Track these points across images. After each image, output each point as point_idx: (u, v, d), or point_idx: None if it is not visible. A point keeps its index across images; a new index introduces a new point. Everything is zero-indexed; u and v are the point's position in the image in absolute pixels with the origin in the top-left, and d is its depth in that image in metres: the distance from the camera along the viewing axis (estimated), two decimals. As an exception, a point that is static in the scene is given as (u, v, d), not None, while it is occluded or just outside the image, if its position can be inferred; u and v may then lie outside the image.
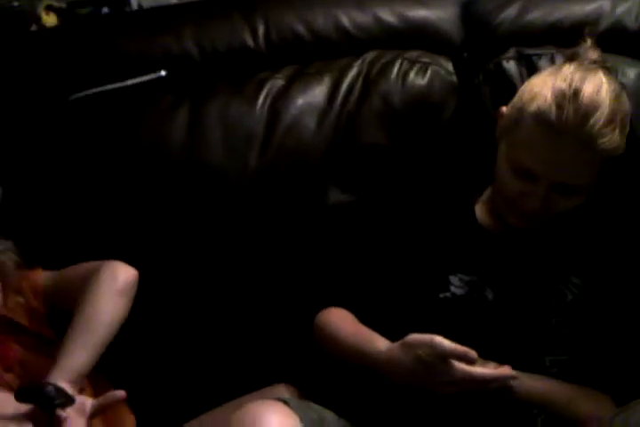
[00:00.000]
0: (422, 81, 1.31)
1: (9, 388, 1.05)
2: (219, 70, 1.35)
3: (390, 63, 1.33)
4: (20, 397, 0.94)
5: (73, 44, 1.36)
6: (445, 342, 0.97)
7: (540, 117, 1.04)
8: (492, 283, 1.13)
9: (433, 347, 0.97)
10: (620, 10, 1.31)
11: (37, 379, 1.06)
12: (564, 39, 1.23)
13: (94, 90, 1.31)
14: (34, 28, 1.48)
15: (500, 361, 1.08)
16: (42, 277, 1.15)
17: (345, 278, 1.19)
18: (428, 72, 1.32)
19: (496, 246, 1.15)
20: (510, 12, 1.34)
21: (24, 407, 0.93)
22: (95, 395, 1.07)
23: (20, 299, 1.11)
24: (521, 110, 1.07)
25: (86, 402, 0.96)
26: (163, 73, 1.33)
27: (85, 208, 1.29)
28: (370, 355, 1.05)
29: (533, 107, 1.06)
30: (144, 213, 1.29)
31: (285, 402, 0.96)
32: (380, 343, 1.05)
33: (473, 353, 0.97)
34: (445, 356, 0.97)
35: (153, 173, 1.30)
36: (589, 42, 1.14)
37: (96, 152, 1.30)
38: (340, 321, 1.14)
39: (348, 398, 1.10)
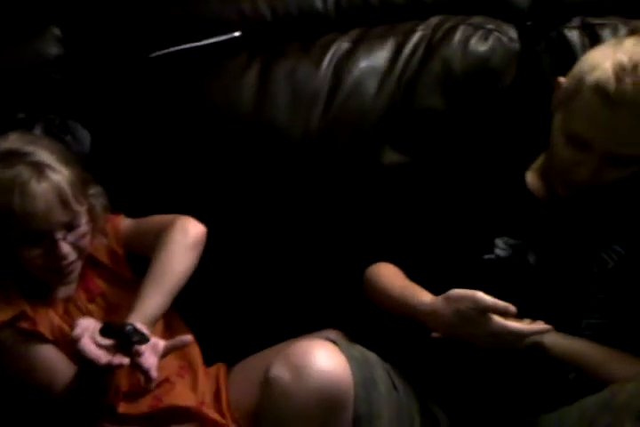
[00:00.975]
0: (484, 47, 1.31)
1: (92, 317, 1.13)
2: (289, 32, 1.38)
3: (453, 28, 1.33)
4: (103, 332, 1.02)
5: (155, 5, 1.39)
6: (487, 297, 1.01)
7: (598, 88, 1.04)
8: (535, 247, 1.15)
9: (474, 301, 1.01)
10: None
11: (115, 310, 1.17)
12: (629, 10, 1.23)
13: (173, 49, 1.34)
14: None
15: (538, 320, 1.09)
16: (123, 222, 1.22)
17: (396, 236, 1.22)
18: (491, 39, 1.31)
19: (542, 213, 1.16)
20: (578, -20, 1.33)
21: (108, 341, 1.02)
22: (167, 330, 1.16)
23: (104, 240, 1.19)
24: (580, 81, 1.07)
25: (159, 343, 1.03)
26: (237, 34, 1.36)
27: (162, 160, 1.34)
28: (414, 306, 1.09)
29: (593, 78, 1.05)
30: (213, 167, 1.34)
31: (334, 342, 1.01)
32: (425, 296, 1.09)
33: (513, 308, 1.00)
34: (486, 309, 1.01)
35: (223, 129, 1.34)
36: None
37: (172, 106, 1.34)
38: (389, 275, 1.18)
39: (391, 346, 1.14)
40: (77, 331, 1.01)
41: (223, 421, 1.15)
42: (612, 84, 1.04)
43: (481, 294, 1.02)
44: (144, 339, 1.02)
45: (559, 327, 1.11)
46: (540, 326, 1.05)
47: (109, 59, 1.38)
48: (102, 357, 1.00)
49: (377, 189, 1.32)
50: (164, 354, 1.04)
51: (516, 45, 1.32)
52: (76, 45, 1.38)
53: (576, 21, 1.30)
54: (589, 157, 1.07)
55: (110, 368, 1.02)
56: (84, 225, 1.12)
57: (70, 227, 1.10)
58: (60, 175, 1.08)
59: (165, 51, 1.34)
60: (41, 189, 1.06)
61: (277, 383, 0.97)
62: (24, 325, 1.11)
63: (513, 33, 1.32)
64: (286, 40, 1.38)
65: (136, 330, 1.02)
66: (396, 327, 1.15)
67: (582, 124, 1.07)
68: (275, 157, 1.33)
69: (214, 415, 1.15)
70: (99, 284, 1.19)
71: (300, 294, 1.35)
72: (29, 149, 1.09)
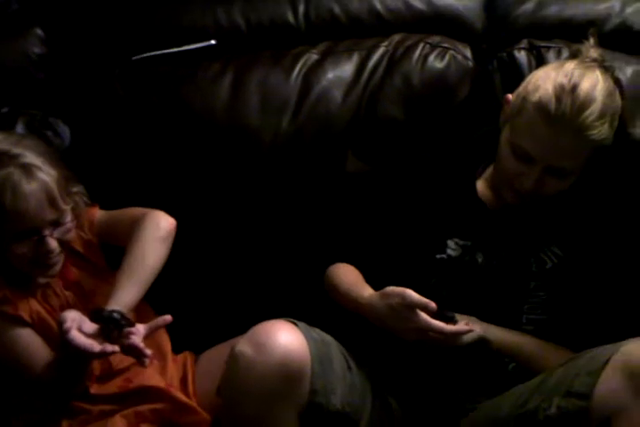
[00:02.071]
0: (440, 64, 1.37)
1: (67, 304, 1.18)
2: (262, 42, 1.42)
3: (413, 46, 1.38)
4: (93, 318, 1.06)
5: (136, 11, 1.43)
6: (413, 294, 1.07)
7: (540, 107, 1.11)
8: (483, 248, 1.22)
9: (403, 297, 1.07)
10: (629, 10, 1.37)
11: (88, 297, 1.20)
12: (574, 34, 1.28)
13: (153, 53, 1.39)
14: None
15: (483, 316, 1.18)
16: (97, 213, 1.24)
17: (354, 237, 1.28)
18: (447, 57, 1.37)
19: (490, 218, 1.23)
20: (528, 6, 1.39)
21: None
22: (138, 319, 1.15)
23: (79, 230, 1.21)
24: (524, 99, 1.14)
25: (140, 326, 1.07)
26: (213, 42, 1.40)
27: (137, 157, 1.38)
28: (355, 300, 1.15)
29: (535, 97, 1.12)
30: (186, 166, 1.38)
31: (294, 323, 1.06)
32: (366, 292, 1.15)
33: (433, 305, 1.06)
34: (411, 305, 1.07)
35: (197, 130, 1.38)
36: (592, 41, 1.20)
37: (149, 107, 1.38)
38: (343, 273, 1.24)
39: (348, 337, 1.18)
40: (68, 324, 1.03)
41: (191, 401, 1.18)
42: (552, 104, 1.10)
43: (409, 291, 1.07)
44: (130, 323, 1.06)
45: (502, 322, 1.18)
46: (462, 326, 1.10)
47: (91, 59, 1.41)
48: (95, 345, 1.03)
49: (340, 193, 1.37)
50: (147, 335, 1.08)
51: (470, 63, 1.38)
52: (58, 46, 1.41)
53: (524, 43, 1.37)
54: (532, 168, 1.14)
55: (103, 355, 1.05)
56: (68, 222, 1.15)
57: (57, 224, 1.14)
58: (48, 176, 1.11)
59: (146, 54, 1.39)
60: (31, 190, 1.09)
61: (241, 358, 1.01)
62: (5, 308, 1.14)
63: (467, 52, 1.39)
64: (259, 49, 1.42)
65: (122, 315, 1.06)
66: (353, 320, 1.20)
67: (526, 139, 1.13)
68: (246, 158, 1.38)
69: (182, 396, 1.18)
70: (74, 272, 1.21)
71: (264, 288, 1.40)
72: (18, 150, 1.11)
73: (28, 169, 1.10)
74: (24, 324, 1.15)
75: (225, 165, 1.39)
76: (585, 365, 1.02)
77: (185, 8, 1.45)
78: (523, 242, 1.22)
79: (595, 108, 1.11)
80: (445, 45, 1.39)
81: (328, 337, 1.12)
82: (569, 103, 1.10)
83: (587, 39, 1.22)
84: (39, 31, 1.41)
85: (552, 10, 1.40)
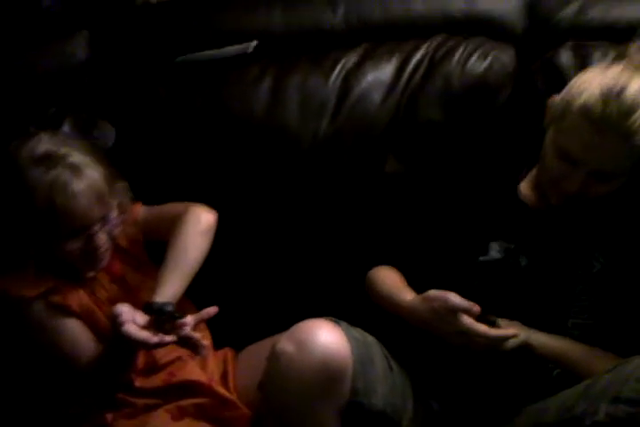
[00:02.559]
0: (481, 66, 1.36)
1: (114, 297, 1.19)
2: (302, 45, 1.43)
3: (454, 48, 1.38)
4: (146, 310, 1.07)
5: (178, 15, 1.46)
6: (456, 297, 1.05)
7: (586, 111, 1.08)
8: (526, 251, 1.19)
9: (445, 300, 1.05)
10: None
11: (132, 292, 1.21)
12: (618, 37, 1.25)
13: (195, 55, 1.40)
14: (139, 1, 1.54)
15: (527, 320, 1.14)
16: (141, 210, 1.26)
17: (396, 240, 1.26)
18: (488, 58, 1.36)
19: (534, 220, 1.20)
20: (572, 8, 1.38)
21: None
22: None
23: (124, 227, 1.22)
24: (569, 103, 1.11)
25: (189, 316, 1.08)
26: (254, 43, 1.40)
27: (179, 158, 1.39)
28: (397, 304, 1.14)
29: (581, 101, 1.09)
30: (226, 168, 1.38)
31: (335, 322, 1.05)
32: (408, 295, 1.14)
33: (476, 308, 1.05)
34: (455, 309, 1.05)
35: (237, 132, 1.38)
36: (638, 43, 1.16)
37: (191, 109, 1.39)
38: (385, 276, 1.22)
39: (390, 340, 1.17)
40: (123, 316, 1.04)
41: (232, 396, 1.18)
42: (598, 109, 1.07)
43: (452, 294, 1.06)
44: (181, 314, 1.07)
45: (548, 326, 1.15)
46: (507, 330, 1.08)
47: (135, 62, 1.43)
48: (152, 337, 1.04)
49: (380, 194, 1.36)
50: (196, 326, 1.08)
51: (513, 65, 1.36)
52: (104, 48, 1.43)
53: (568, 45, 1.35)
54: (576, 171, 1.12)
55: (160, 346, 1.06)
56: (115, 217, 1.16)
57: (105, 220, 1.15)
58: (96, 174, 1.13)
59: (188, 56, 1.40)
60: (80, 189, 1.10)
61: (282, 356, 1.01)
62: (56, 298, 1.15)
63: (510, 53, 1.37)
64: (298, 53, 1.42)
65: (173, 307, 1.07)
66: (395, 323, 1.18)
67: (570, 142, 1.11)
68: (285, 161, 1.38)
69: (223, 391, 1.18)
70: (119, 267, 1.23)
71: (304, 288, 1.39)
72: (64, 150, 1.13)
73: (76, 168, 1.11)
74: (73, 314, 1.16)
75: (264, 167, 1.39)
76: (634, 371, 0.99)
77: (226, 12, 1.46)
78: (568, 245, 1.19)
79: None
80: (487, 47, 1.38)
81: (370, 337, 1.10)
82: (615, 108, 1.07)
83: (632, 41, 1.18)
84: (85, 33, 1.43)
85: (595, 12, 1.38)
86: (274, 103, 1.39)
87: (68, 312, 1.16)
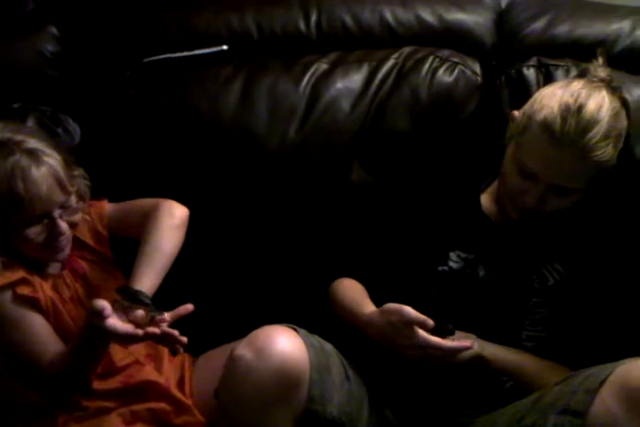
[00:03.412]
0: (449, 78, 1.36)
1: (77, 296, 1.17)
2: (273, 49, 1.41)
3: (423, 59, 1.38)
4: (122, 293, 1.05)
5: (150, 13, 1.43)
6: (411, 311, 1.05)
7: (545, 126, 1.09)
8: (485, 262, 1.20)
9: (401, 314, 1.06)
10: (638, 32, 1.36)
11: (96, 291, 1.18)
12: (583, 54, 1.28)
13: (165, 56, 1.39)
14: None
15: (483, 331, 1.16)
16: (107, 206, 1.23)
17: (357, 247, 1.27)
18: (456, 71, 1.37)
19: (493, 232, 1.21)
20: (539, 24, 1.39)
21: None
22: None
23: (88, 222, 1.20)
24: (530, 117, 1.12)
25: (165, 314, 1.06)
26: (224, 47, 1.40)
27: (145, 157, 1.37)
28: (357, 316, 1.14)
29: (541, 116, 1.10)
30: (192, 168, 1.37)
31: (294, 329, 1.05)
32: (366, 308, 1.14)
33: (430, 322, 1.05)
34: (409, 322, 1.06)
35: (205, 134, 1.37)
36: (601, 60, 1.19)
37: (159, 109, 1.38)
38: (346, 288, 1.22)
39: (348, 348, 1.17)
40: (107, 311, 1.01)
41: (188, 401, 1.17)
42: (557, 125, 1.08)
43: (407, 308, 1.06)
44: (157, 309, 1.04)
45: (502, 337, 1.16)
46: (461, 343, 1.08)
47: (103, 59, 1.41)
48: (137, 330, 1.02)
49: (344, 202, 1.36)
50: (170, 322, 1.06)
51: (479, 79, 1.37)
52: (72, 44, 1.40)
53: (533, 61, 1.36)
54: (535, 186, 1.13)
55: (147, 338, 1.04)
56: (74, 203, 1.14)
57: (64, 206, 1.13)
58: (54, 159, 1.11)
59: (158, 57, 1.38)
60: (41, 174, 1.08)
61: (240, 361, 1.00)
62: (25, 290, 1.12)
63: (476, 67, 1.38)
64: (269, 57, 1.41)
65: (149, 299, 1.04)
66: (353, 331, 1.19)
67: (530, 157, 1.12)
68: (251, 165, 1.37)
69: (180, 395, 1.17)
70: (83, 264, 1.20)
71: (265, 294, 1.39)
72: (20, 137, 1.10)
73: (34, 154, 1.10)
74: (39, 309, 1.13)
75: (230, 170, 1.38)
76: (582, 383, 1.00)
77: (198, 13, 1.44)
78: (525, 257, 1.21)
79: (599, 130, 1.09)
80: (455, 60, 1.39)
81: (328, 345, 1.10)
82: (573, 124, 1.08)
83: (595, 59, 1.20)
84: (54, 30, 1.41)
85: (562, 29, 1.39)
86: (243, 106, 1.38)
87: (34, 306, 1.13)
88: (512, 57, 1.39)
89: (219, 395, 1.05)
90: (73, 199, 1.14)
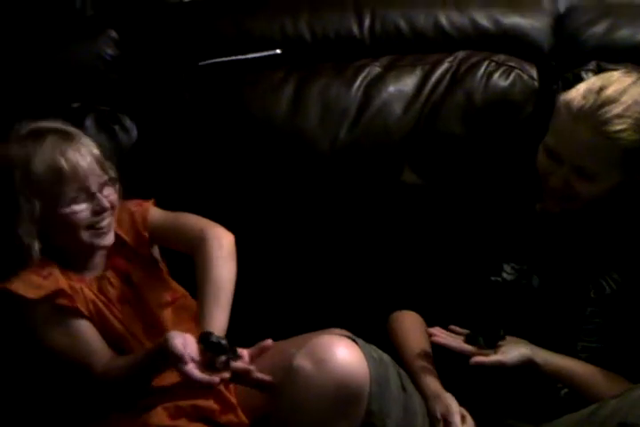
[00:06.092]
0: (504, 83, 1.33)
1: (123, 297, 1.16)
2: (326, 53, 1.40)
3: (478, 63, 1.35)
4: (203, 342, 1.02)
5: (206, 18, 1.43)
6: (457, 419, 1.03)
7: (567, 104, 1.09)
8: (539, 271, 1.16)
9: (446, 416, 1.04)
10: None
11: (139, 290, 1.16)
12: None
13: (219, 59, 1.38)
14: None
15: (537, 341, 1.11)
16: (152, 210, 1.21)
17: (408, 253, 1.24)
18: (512, 75, 1.33)
19: (549, 239, 1.17)
20: (599, 28, 1.35)
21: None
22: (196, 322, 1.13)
23: (131, 221, 1.19)
24: (559, 100, 1.12)
25: (243, 351, 1.04)
26: (278, 51, 1.39)
27: (197, 159, 1.37)
28: (419, 384, 1.10)
29: (566, 96, 1.10)
30: (245, 170, 1.36)
31: (352, 339, 1.02)
32: (430, 382, 1.10)
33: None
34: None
35: (257, 136, 1.36)
36: None
37: (213, 111, 1.37)
38: (408, 329, 1.18)
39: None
40: (185, 357, 1.00)
41: (234, 400, 1.14)
42: (576, 101, 1.08)
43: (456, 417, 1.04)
44: (236, 352, 1.03)
45: (557, 348, 1.11)
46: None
47: (160, 63, 1.41)
48: (214, 379, 1.01)
49: (394, 205, 1.33)
50: (251, 360, 1.04)
51: (535, 83, 1.33)
52: (131, 48, 1.41)
53: (592, 65, 1.32)
54: (560, 167, 1.10)
55: (217, 386, 1.03)
56: (111, 189, 1.15)
57: (104, 184, 1.14)
58: (90, 140, 1.14)
59: (213, 60, 1.38)
60: (80, 152, 1.11)
61: (300, 373, 0.97)
62: (62, 301, 1.10)
63: (533, 71, 1.34)
64: (322, 60, 1.40)
65: (228, 343, 1.03)
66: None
67: (553, 136, 1.11)
68: (302, 166, 1.35)
69: (227, 394, 1.14)
70: (124, 264, 1.19)
71: (307, 295, 1.36)
72: (52, 124, 1.14)
73: (71, 135, 1.12)
74: (82, 316, 1.12)
75: (281, 172, 1.36)
76: None
77: (252, 17, 1.43)
78: (581, 266, 1.16)
79: (616, 107, 1.07)
80: (511, 64, 1.35)
81: (385, 355, 1.06)
82: (592, 100, 1.07)
83: None
84: (113, 34, 1.42)
85: (623, 33, 1.35)
86: (295, 108, 1.37)
87: (77, 314, 1.12)
88: (570, 61, 1.35)
89: (277, 404, 1.02)
90: (109, 185, 1.14)
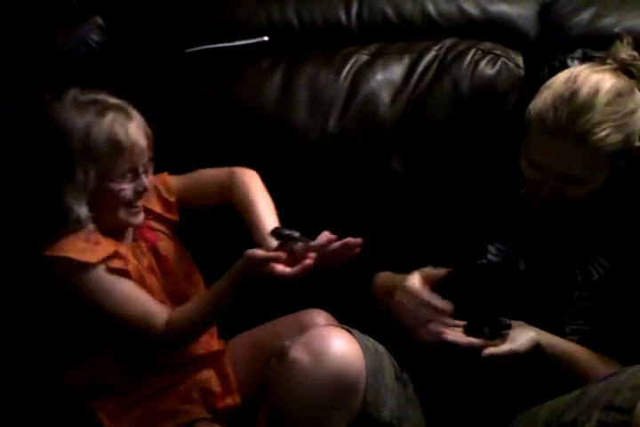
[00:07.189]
0: (491, 71, 1.33)
1: (151, 266, 1.17)
2: (313, 40, 1.39)
3: (465, 51, 1.34)
4: (275, 235, 1.06)
5: (193, 4, 1.41)
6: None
7: (539, 118, 1.05)
8: (525, 255, 1.15)
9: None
10: None
11: (164, 261, 1.18)
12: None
13: (206, 46, 1.37)
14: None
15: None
16: (169, 178, 1.23)
17: (395, 236, 1.23)
18: (498, 63, 1.33)
19: (533, 223, 1.16)
20: (584, 16, 1.34)
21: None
22: (187, 280, 1.19)
23: (156, 190, 1.20)
24: (529, 111, 1.08)
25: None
26: (265, 38, 1.37)
27: (185, 145, 1.35)
28: (393, 285, 1.11)
29: (536, 108, 1.06)
30: (231, 157, 1.32)
31: (348, 330, 1.01)
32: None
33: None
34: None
35: (245, 124, 1.35)
36: (626, 42, 1.10)
37: (200, 99, 1.35)
38: (386, 276, 1.19)
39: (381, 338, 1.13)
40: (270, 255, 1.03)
41: (231, 373, 1.16)
42: (549, 115, 1.04)
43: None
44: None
45: (544, 330, 1.10)
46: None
47: (147, 50, 1.39)
48: (305, 264, 1.04)
49: (383, 193, 1.33)
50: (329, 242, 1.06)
51: (521, 71, 1.33)
52: (117, 34, 1.39)
53: (578, 53, 1.31)
54: (548, 177, 1.08)
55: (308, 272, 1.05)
56: (151, 171, 1.16)
57: (147, 169, 1.15)
58: (140, 116, 1.14)
59: (199, 47, 1.36)
60: (136, 126, 1.12)
61: (297, 365, 0.96)
62: (117, 264, 1.10)
63: (519, 60, 1.34)
64: (310, 48, 1.39)
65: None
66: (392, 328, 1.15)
67: (533, 150, 1.08)
68: (291, 155, 1.34)
69: (227, 367, 1.16)
70: (152, 234, 1.20)
71: (301, 284, 1.31)
72: (103, 96, 1.13)
73: (124, 110, 1.12)
74: (132, 279, 1.12)
75: (269, 160, 1.35)
76: (627, 380, 0.96)
77: (239, 4, 1.41)
78: (568, 251, 1.16)
79: (592, 115, 1.03)
80: (497, 52, 1.35)
81: (379, 346, 1.06)
82: (565, 112, 1.03)
83: (621, 42, 1.11)
84: (99, 20, 1.40)
85: (609, 20, 1.34)
86: (283, 97, 1.35)
87: (130, 277, 1.11)
88: (557, 49, 1.34)
89: (272, 395, 1.01)
90: (151, 161, 1.15)
